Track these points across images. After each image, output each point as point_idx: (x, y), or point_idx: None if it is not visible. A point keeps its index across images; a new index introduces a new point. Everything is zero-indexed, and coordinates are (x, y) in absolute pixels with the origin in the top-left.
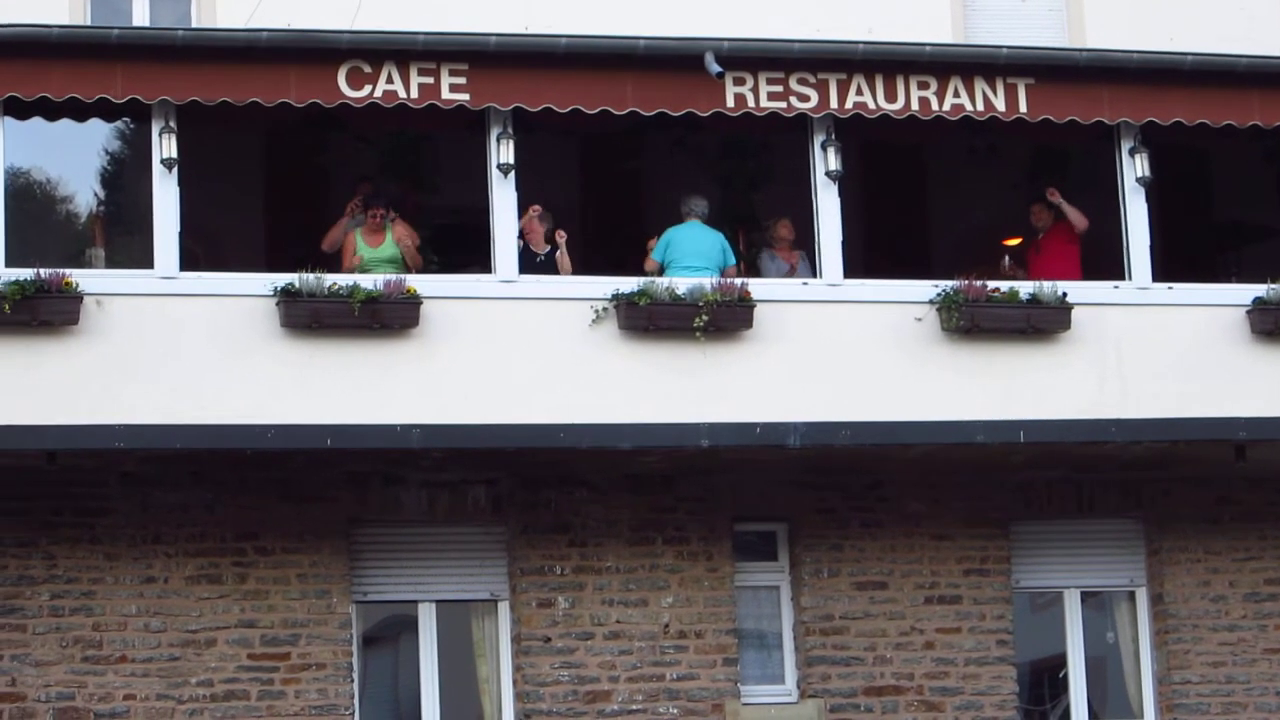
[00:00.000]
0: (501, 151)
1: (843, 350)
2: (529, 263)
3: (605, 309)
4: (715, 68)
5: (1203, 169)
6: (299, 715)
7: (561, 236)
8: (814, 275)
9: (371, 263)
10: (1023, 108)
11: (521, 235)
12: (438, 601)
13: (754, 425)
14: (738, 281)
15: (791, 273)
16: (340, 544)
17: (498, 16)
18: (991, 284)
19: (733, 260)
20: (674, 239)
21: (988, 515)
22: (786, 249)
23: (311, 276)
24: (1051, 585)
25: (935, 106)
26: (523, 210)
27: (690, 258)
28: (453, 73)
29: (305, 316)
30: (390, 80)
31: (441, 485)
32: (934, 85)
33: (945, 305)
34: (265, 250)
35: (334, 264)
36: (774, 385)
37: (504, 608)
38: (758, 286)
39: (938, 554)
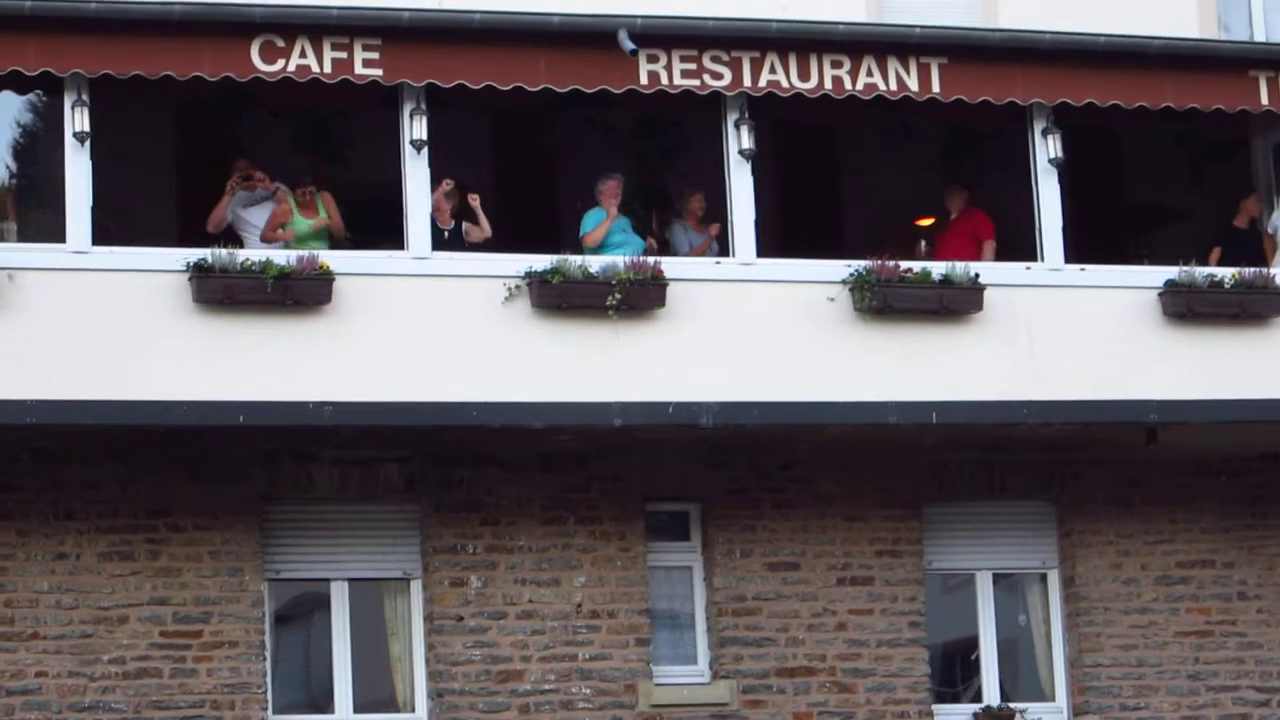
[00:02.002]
0: (415, 128)
1: (756, 329)
2: (435, 239)
3: (518, 286)
4: (629, 45)
5: (1114, 150)
6: (211, 693)
7: (474, 199)
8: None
9: (306, 235)
10: (936, 88)
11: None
12: (350, 579)
13: (667, 404)
14: (650, 260)
15: (708, 245)
16: (252, 521)
17: None
18: (904, 264)
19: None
20: None
21: (900, 496)
22: (697, 222)
23: (224, 252)
24: (963, 567)
25: (848, 86)
26: (435, 186)
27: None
28: (366, 48)
29: (218, 292)
30: (304, 54)
31: (354, 463)
32: (847, 64)
33: (858, 285)
34: (178, 225)
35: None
36: (687, 364)
37: (416, 586)
38: (671, 265)
39: (850, 535)
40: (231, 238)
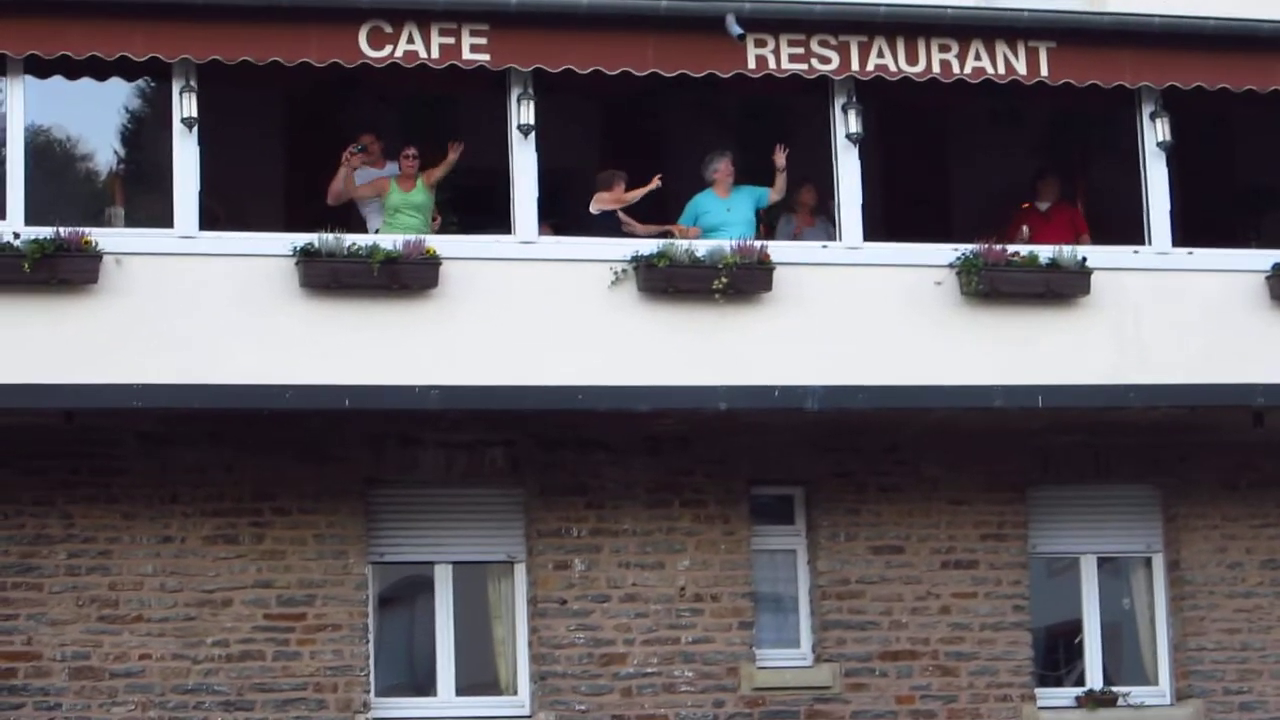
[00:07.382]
0: (522, 112)
1: (861, 313)
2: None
3: (624, 270)
4: (736, 29)
5: (1223, 133)
6: (314, 676)
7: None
8: (829, 239)
9: (401, 205)
10: (1044, 71)
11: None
12: (454, 563)
13: (772, 388)
14: (757, 244)
15: (795, 237)
16: (357, 505)
17: None
18: (1011, 248)
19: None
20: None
21: (1005, 480)
22: (807, 214)
23: (331, 236)
24: (1068, 551)
25: (956, 69)
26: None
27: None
28: (474, 33)
29: (324, 276)
30: (411, 40)
31: (459, 446)
32: (955, 48)
33: (965, 269)
34: (285, 210)
35: (354, 225)
36: (792, 348)
37: (520, 570)
38: (777, 249)
39: (954, 518)
40: (343, 218)
